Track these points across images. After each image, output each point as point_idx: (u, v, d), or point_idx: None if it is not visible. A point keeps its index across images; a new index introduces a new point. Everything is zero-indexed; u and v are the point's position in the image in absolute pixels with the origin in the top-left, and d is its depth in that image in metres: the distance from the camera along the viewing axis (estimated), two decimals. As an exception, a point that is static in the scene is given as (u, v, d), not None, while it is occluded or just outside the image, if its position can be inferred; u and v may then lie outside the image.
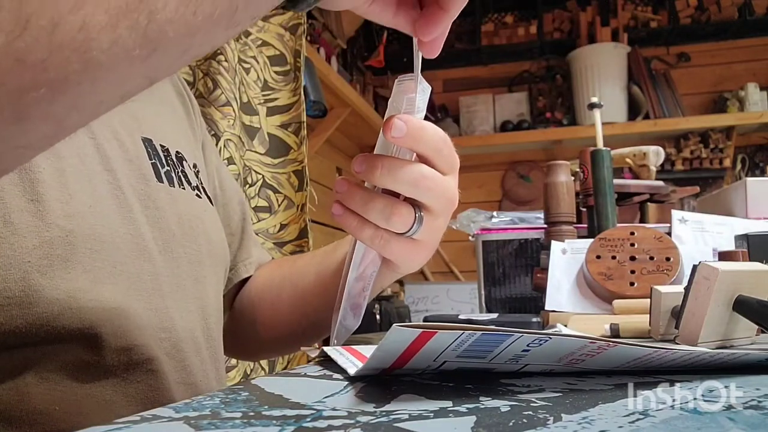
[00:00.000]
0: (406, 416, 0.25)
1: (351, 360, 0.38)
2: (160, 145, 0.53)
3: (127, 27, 0.21)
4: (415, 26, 0.37)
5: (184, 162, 0.56)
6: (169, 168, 0.53)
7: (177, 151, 0.56)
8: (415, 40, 0.39)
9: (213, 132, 1.20)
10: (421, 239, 0.44)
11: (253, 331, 0.66)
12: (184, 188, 0.54)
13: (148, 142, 0.52)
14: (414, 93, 0.40)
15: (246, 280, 0.67)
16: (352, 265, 0.45)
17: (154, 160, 0.51)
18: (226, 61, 1.23)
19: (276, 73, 1.41)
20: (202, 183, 0.59)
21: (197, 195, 0.56)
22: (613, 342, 0.31)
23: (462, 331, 0.28)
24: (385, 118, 0.41)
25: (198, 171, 0.59)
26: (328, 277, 0.58)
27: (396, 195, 0.43)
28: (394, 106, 0.41)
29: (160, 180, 0.51)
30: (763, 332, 0.47)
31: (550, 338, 0.30)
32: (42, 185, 0.40)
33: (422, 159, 0.42)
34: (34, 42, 0.20)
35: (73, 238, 0.40)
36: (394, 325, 0.27)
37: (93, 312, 0.41)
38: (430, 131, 0.41)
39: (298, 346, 0.65)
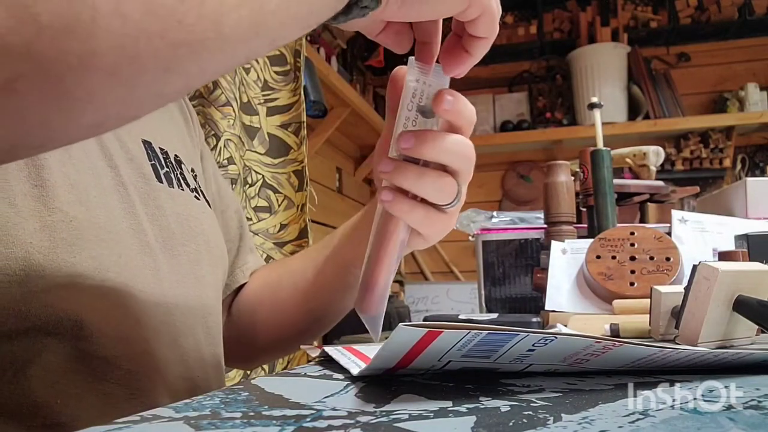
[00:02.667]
0: (406, 416, 0.25)
1: (353, 360, 0.38)
2: (159, 148, 0.54)
3: (247, 10, 0.27)
4: (441, 61, 0.41)
5: (182, 165, 0.57)
6: (168, 169, 0.54)
7: (175, 155, 0.56)
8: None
9: (213, 132, 1.20)
10: (455, 210, 0.45)
11: (254, 334, 0.66)
12: (183, 189, 0.55)
13: (147, 144, 0.52)
14: (431, 73, 0.41)
15: (242, 287, 0.68)
16: (390, 256, 0.43)
17: (153, 162, 0.52)
18: (226, 61, 1.22)
19: (276, 73, 1.41)
20: (200, 186, 0.59)
21: (195, 197, 0.57)
22: (618, 342, 0.31)
23: (468, 331, 0.28)
24: (403, 94, 0.41)
25: (196, 175, 0.60)
26: (329, 270, 0.58)
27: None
28: (419, 84, 0.41)
29: (159, 180, 0.51)
30: (763, 332, 0.47)
31: (556, 338, 0.29)
32: (47, 171, 0.40)
33: (455, 131, 0.42)
34: (188, 9, 0.25)
35: (77, 224, 0.41)
36: (399, 324, 0.27)
37: (95, 298, 0.41)
38: (466, 103, 0.41)
39: (298, 345, 0.65)
